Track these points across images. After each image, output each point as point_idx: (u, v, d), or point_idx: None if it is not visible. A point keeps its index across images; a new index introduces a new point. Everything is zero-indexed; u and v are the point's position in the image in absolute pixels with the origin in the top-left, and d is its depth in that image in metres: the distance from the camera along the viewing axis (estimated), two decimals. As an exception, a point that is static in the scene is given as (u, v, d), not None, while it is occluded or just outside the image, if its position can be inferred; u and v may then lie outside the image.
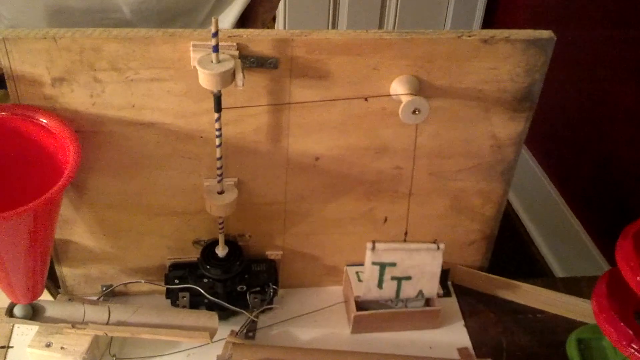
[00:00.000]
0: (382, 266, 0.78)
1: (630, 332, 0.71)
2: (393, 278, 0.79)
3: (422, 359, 0.78)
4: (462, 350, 0.83)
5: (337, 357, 0.75)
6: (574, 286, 0.92)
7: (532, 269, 1.03)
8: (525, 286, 0.90)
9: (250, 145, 0.74)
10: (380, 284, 0.79)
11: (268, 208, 0.80)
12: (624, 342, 0.71)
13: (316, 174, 0.77)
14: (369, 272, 0.79)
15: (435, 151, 0.77)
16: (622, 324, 0.72)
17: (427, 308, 0.84)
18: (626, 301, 0.78)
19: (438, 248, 0.77)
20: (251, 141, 0.74)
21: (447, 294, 0.90)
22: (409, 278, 0.79)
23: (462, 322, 0.87)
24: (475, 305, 0.90)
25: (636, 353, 0.70)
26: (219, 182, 0.74)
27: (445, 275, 0.91)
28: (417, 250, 0.77)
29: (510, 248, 0.95)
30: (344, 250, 0.86)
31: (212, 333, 0.75)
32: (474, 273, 0.91)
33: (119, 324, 0.75)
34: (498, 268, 0.93)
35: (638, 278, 0.68)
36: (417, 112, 0.68)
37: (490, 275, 0.91)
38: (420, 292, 0.80)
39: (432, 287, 0.80)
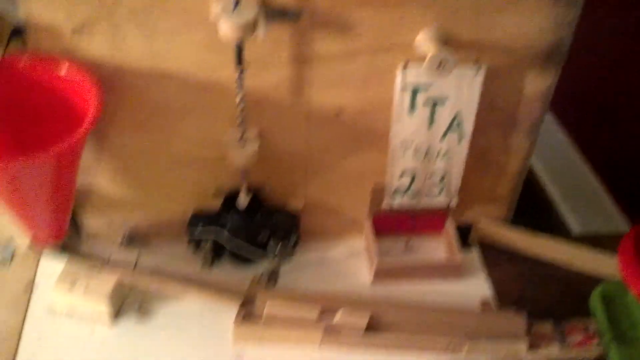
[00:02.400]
0: (414, 91, 0.72)
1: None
2: (426, 103, 0.73)
3: (443, 308, 0.79)
4: (483, 302, 0.83)
5: (358, 305, 0.76)
6: (595, 243, 0.91)
7: (551, 227, 1.02)
8: (549, 241, 0.89)
9: (271, 98, 0.73)
10: (412, 110, 0.73)
11: (289, 159, 0.79)
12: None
13: (338, 127, 0.76)
14: (399, 98, 0.72)
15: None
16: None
17: (449, 260, 0.84)
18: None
19: (479, 68, 0.70)
20: (272, 93, 0.73)
21: (469, 248, 0.90)
22: (444, 102, 0.73)
23: (485, 275, 0.87)
24: (498, 259, 0.89)
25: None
26: (240, 133, 0.74)
27: (467, 229, 0.91)
28: (455, 74, 0.70)
29: (529, 206, 0.94)
30: (365, 203, 0.85)
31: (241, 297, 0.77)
32: (498, 227, 0.90)
33: (146, 271, 0.77)
34: (518, 225, 0.92)
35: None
36: (442, 66, 0.66)
37: (512, 229, 0.90)
38: (456, 120, 0.74)
39: (469, 114, 0.73)
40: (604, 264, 0.86)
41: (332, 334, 0.76)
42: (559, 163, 1.36)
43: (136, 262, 0.77)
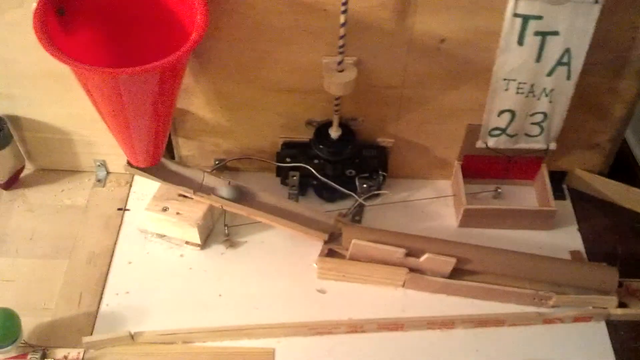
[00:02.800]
0: (526, 19, 0.68)
1: None
2: (537, 33, 0.69)
3: (532, 255, 0.76)
4: (574, 253, 0.80)
5: (444, 249, 0.74)
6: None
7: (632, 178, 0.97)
8: (646, 194, 0.86)
9: (374, 22, 0.70)
10: (521, 40, 0.69)
11: (384, 92, 0.77)
12: None
13: (438, 58, 0.73)
14: (509, 26, 0.68)
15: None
16: None
17: (543, 208, 0.81)
18: None
19: (596, 2, 0.66)
20: (375, 17, 0.70)
21: (562, 197, 0.86)
22: (555, 33, 0.69)
23: (576, 226, 0.84)
24: (591, 210, 0.86)
25: None
26: (340, 58, 0.71)
27: (561, 177, 0.87)
28: (571, 2, 0.66)
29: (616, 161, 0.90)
30: (457, 143, 0.83)
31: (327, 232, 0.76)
32: (593, 177, 0.86)
33: (237, 200, 0.77)
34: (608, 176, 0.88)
35: None
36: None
37: (610, 180, 0.86)
38: (566, 55, 0.70)
39: (581, 49, 0.69)
40: None
41: (415, 276, 0.74)
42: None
43: (226, 190, 0.77)
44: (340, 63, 0.72)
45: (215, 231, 0.80)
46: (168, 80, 0.65)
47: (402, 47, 0.73)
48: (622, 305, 0.74)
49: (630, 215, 0.85)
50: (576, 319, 0.73)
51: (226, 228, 0.79)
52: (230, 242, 0.78)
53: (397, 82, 0.77)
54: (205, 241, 0.78)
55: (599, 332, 0.73)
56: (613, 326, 0.73)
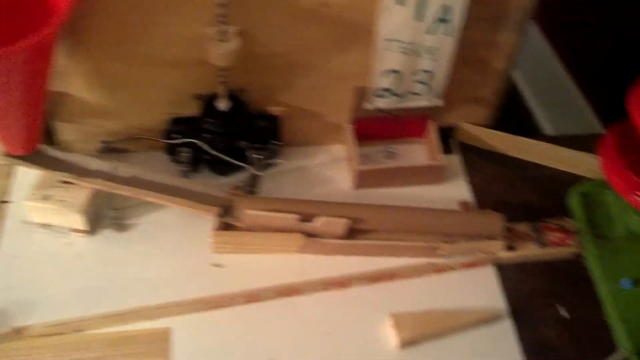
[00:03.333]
0: None
1: (638, 180, 0.71)
2: None
3: (422, 209, 0.79)
4: (463, 204, 0.83)
5: (337, 211, 0.75)
6: (571, 144, 0.91)
7: (527, 131, 1.03)
8: (529, 142, 0.89)
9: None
10: (399, 1, 0.70)
11: (271, 60, 0.77)
12: (631, 191, 0.71)
13: (322, 22, 0.74)
14: None
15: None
16: (629, 172, 0.72)
17: (433, 162, 0.84)
18: (633, 155, 0.78)
19: None
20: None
21: (450, 151, 0.90)
22: None
23: (465, 178, 0.87)
24: (478, 162, 0.89)
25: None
26: (221, 28, 0.70)
27: (449, 132, 0.90)
28: None
29: (505, 111, 0.94)
30: (347, 107, 0.83)
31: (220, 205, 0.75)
32: (479, 130, 0.89)
33: (124, 181, 0.75)
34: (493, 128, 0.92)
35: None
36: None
37: (495, 131, 0.90)
38: (445, 12, 0.71)
39: (460, 5, 0.70)
40: (582, 163, 0.87)
41: (311, 240, 0.75)
42: (534, 67, 1.35)
43: (112, 172, 0.75)
44: (222, 33, 0.71)
45: (103, 216, 0.77)
46: (36, 62, 0.62)
47: (285, 14, 0.73)
48: (509, 248, 0.78)
49: (517, 164, 0.89)
50: (467, 265, 0.76)
51: (115, 211, 0.77)
52: (120, 225, 0.77)
53: (283, 49, 0.76)
54: (93, 227, 0.76)
55: (489, 276, 0.76)
56: (502, 269, 0.77)
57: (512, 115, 0.92)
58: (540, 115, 1.20)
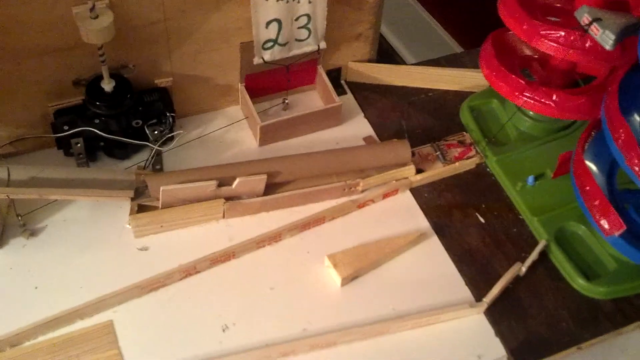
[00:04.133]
0: None
1: (522, 81, 0.76)
2: None
3: (332, 150, 0.80)
4: (366, 139, 0.85)
5: (251, 169, 0.75)
6: (456, 61, 0.96)
7: (388, 60, 1.07)
8: (412, 68, 0.93)
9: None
10: None
11: (148, 30, 0.74)
12: (517, 93, 0.76)
13: (194, -18, 0.72)
14: None
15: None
16: (513, 76, 0.76)
17: (330, 105, 0.85)
18: (511, 60, 0.83)
19: None
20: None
21: (343, 92, 0.91)
22: None
23: (362, 114, 0.89)
24: (371, 97, 0.91)
25: (529, 100, 0.76)
26: (90, 5, 0.66)
27: (338, 74, 0.91)
28: None
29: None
30: (235, 66, 0.82)
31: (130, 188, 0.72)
32: (364, 66, 0.91)
33: (22, 184, 0.69)
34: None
35: (524, 26, 0.72)
36: None
37: (380, 64, 0.92)
38: None
39: None
40: (465, 79, 0.91)
41: (233, 203, 0.74)
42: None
43: (8, 176, 0.69)
44: (92, 9, 0.67)
45: (9, 224, 0.72)
46: None
47: (153, -22, 0.70)
48: (419, 171, 0.81)
49: (407, 92, 0.92)
50: (385, 196, 0.79)
51: (20, 218, 0.72)
52: (29, 231, 0.72)
53: (158, 16, 0.73)
54: (2, 239, 0.71)
55: (407, 200, 0.79)
56: (417, 191, 0.81)
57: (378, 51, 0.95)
58: (400, 47, 1.25)
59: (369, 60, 0.92)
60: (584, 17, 0.64)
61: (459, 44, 1.40)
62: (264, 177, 0.73)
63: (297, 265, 0.72)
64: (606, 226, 0.65)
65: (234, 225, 0.75)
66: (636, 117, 0.63)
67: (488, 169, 0.84)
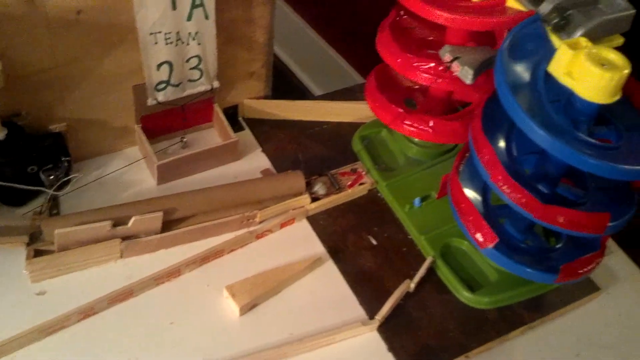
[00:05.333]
0: None
1: (402, 110, 0.82)
2: None
3: (229, 184, 0.82)
4: (264, 171, 0.89)
5: (148, 207, 0.77)
6: (348, 95, 1.01)
7: (296, 94, 1.12)
8: (307, 103, 0.97)
9: (3, 10, 0.68)
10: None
11: (39, 77, 0.75)
12: (397, 121, 0.81)
13: (82, 30, 0.74)
14: None
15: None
16: (393, 106, 0.82)
17: (225, 141, 0.88)
18: (395, 91, 0.89)
19: None
20: (2, 4, 0.67)
21: (240, 128, 0.94)
22: None
23: (260, 149, 0.92)
24: (268, 132, 0.95)
25: (410, 128, 0.81)
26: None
27: (234, 111, 0.95)
28: None
29: (278, 83, 1.01)
30: (130, 107, 0.84)
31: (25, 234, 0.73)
32: (260, 102, 0.95)
33: None
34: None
35: (398, 60, 0.77)
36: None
37: (274, 100, 0.96)
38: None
39: None
40: (356, 111, 0.96)
41: (130, 242, 0.76)
42: (291, 38, 1.45)
43: None
44: (-22, 60, 0.69)
45: None
46: None
47: (41, 28, 0.72)
48: (314, 200, 0.85)
49: (302, 125, 0.97)
50: (282, 225, 0.82)
51: None
52: None
53: (49, 64, 0.75)
54: None
55: (304, 228, 0.83)
56: (313, 219, 0.84)
57: (284, 85, 0.99)
58: (307, 81, 1.31)
59: (265, 97, 0.97)
60: (446, 56, 0.71)
61: (361, 76, 1.48)
62: (160, 214, 0.75)
63: (196, 298, 0.74)
64: (480, 239, 0.71)
65: (132, 264, 0.76)
66: (497, 138, 0.70)
67: (379, 194, 0.89)
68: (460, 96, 0.88)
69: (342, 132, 0.96)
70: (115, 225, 0.74)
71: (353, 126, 0.96)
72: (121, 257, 0.76)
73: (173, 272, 0.75)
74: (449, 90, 0.84)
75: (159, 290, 0.74)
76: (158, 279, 0.74)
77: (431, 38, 0.84)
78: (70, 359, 0.67)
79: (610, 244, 0.87)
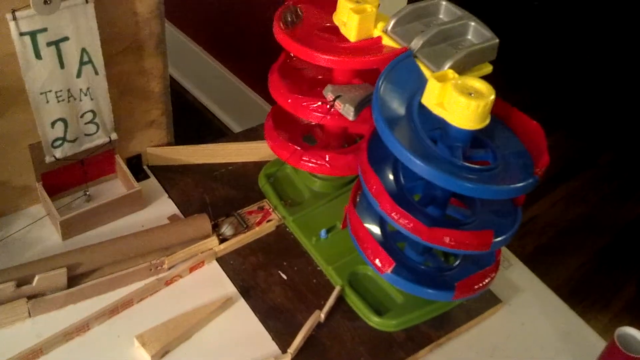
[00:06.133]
0: (33, 35, 0.73)
1: (298, 148, 0.85)
2: (49, 44, 0.74)
3: (134, 233, 0.83)
4: (171, 217, 0.90)
5: (51, 262, 0.76)
6: (253, 134, 1.05)
7: (216, 134, 1.13)
8: (211, 146, 0.99)
9: None
10: (38, 54, 0.74)
11: None
12: (296, 158, 0.84)
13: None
14: (20, 45, 0.72)
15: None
16: (290, 144, 0.85)
17: (128, 191, 0.88)
18: (293, 129, 0.92)
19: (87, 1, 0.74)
20: None
21: (145, 176, 0.95)
22: (66, 39, 0.75)
23: (166, 195, 0.94)
24: (174, 177, 0.96)
25: (308, 163, 0.84)
26: None
27: (138, 160, 0.96)
28: (66, 8, 0.73)
29: (187, 120, 1.02)
30: (28, 166, 0.84)
31: None
32: (163, 149, 0.97)
33: None
34: (184, 142, 1.00)
35: (289, 100, 0.81)
36: (49, 2, 0.68)
37: (178, 146, 0.98)
38: (85, 55, 0.77)
39: (95, 45, 0.77)
40: (260, 150, 0.99)
41: (37, 301, 0.75)
42: (205, 79, 1.48)
43: None
44: None
45: None
46: None
47: None
48: (222, 241, 0.86)
49: (207, 168, 0.98)
50: (192, 269, 0.83)
51: None
52: None
53: (-64, 132, 0.75)
54: None
55: (214, 270, 0.84)
56: (223, 260, 0.86)
57: (204, 126, 1.01)
58: (227, 120, 1.33)
59: (169, 143, 0.98)
60: (329, 95, 0.75)
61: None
62: (64, 270, 0.75)
63: (108, 351, 0.74)
64: (379, 265, 0.74)
65: (41, 322, 0.75)
66: (384, 168, 0.74)
67: (287, 229, 0.91)
68: (354, 130, 0.92)
69: (247, 173, 0.98)
70: (19, 285, 0.74)
71: (258, 165, 0.99)
72: (29, 316, 0.75)
73: (82, 327, 0.75)
74: (343, 126, 0.89)
75: (69, 346, 0.74)
76: (67, 335, 0.74)
77: (320, 77, 0.88)
78: None
79: (510, 256, 0.93)
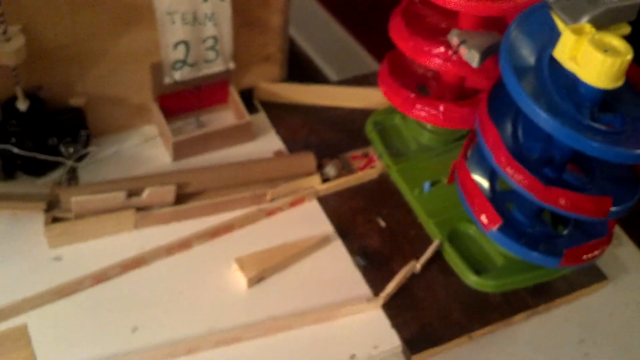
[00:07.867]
0: None
1: (412, 95, 0.83)
2: None
3: (241, 162, 0.85)
4: (276, 153, 0.90)
5: (163, 180, 0.79)
6: (363, 81, 1.02)
7: (314, 79, 1.13)
8: (322, 88, 0.99)
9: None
10: None
11: (60, 52, 0.78)
12: (408, 105, 0.83)
13: (102, 7, 0.76)
14: None
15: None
16: (403, 90, 0.83)
17: (239, 122, 0.90)
18: (408, 78, 0.90)
19: None
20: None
21: (255, 110, 0.96)
22: None
23: (274, 131, 0.94)
24: (282, 115, 0.97)
25: (421, 112, 0.82)
26: (2, 29, 0.70)
27: (250, 94, 0.97)
28: None
29: (291, 68, 1.02)
30: (147, 85, 0.86)
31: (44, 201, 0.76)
32: (275, 86, 0.97)
33: None
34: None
35: (410, 44, 0.79)
36: None
37: (290, 84, 0.98)
38: None
39: None
40: (370, 97, 0.97)
41: (144, 214, 0.78)
42: (308, 22, 1.47)
43: None
44: (4, 32, 0.71)
45: None
46: None
47: (63, 4, 0.74)
48: (325, 181, 0.86)
49: (316, 110, 0.98)
50: (292, 204, 0.84)
51: None
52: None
53: (69, 40, 0.77)
54: None
55: (314, 208, 0.84)
56: (324, 199, 0.86)
57: (300, 69, 1.00)
58: (323, 66, 1.32)
59: (281, 80, 0.98)
60: (453, 40, 0.72)
61: (378, 63, 1.50)
62: (173, 187, 0.78)
63: (206, 270, 0.76)
64: (485, 221, 0.72)
65: (146, 235, 0.78)
66: (503, 122, 0.70)
67: (390, 178, 0.90)
68: (472, 84, 0.88)
69: (355, 118, 0.97)
70: (130, 195, 0.77)
71: (366, 113, 0.97)
72: (135, 227, 0.78)
73: (184, 244, 0.77)
74: (460, 77, 0.85)
75: (170, 260, 0.76)
76: (170, 250, 0.76)
77: (443, 25, 0.84)
78: (81, 320, 0.70)
79: (621, 234, 0.88)
